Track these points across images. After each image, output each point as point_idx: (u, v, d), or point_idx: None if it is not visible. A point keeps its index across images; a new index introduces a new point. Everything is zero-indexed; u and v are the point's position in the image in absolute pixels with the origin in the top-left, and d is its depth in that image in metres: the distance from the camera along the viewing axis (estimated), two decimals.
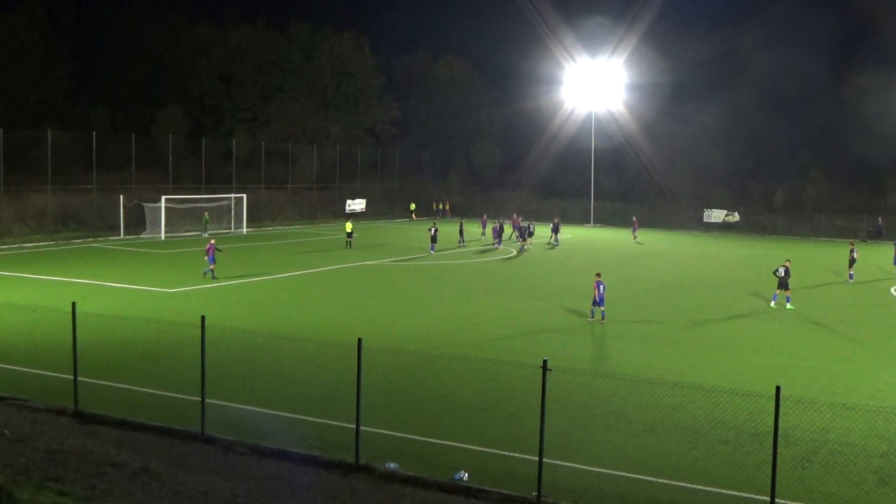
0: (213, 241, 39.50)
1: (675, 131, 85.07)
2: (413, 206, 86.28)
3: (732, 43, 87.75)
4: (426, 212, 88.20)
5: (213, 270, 38.07)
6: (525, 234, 55.95)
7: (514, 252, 53.45)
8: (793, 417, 16.84)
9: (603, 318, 29.61)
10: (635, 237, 65.87)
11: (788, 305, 34.03)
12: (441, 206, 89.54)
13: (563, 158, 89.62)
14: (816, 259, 52.18)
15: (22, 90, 76.93)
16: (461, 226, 58.04)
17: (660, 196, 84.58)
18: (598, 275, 30.23)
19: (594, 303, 29.88)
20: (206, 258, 38.17)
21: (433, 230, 52.33)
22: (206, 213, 61.68)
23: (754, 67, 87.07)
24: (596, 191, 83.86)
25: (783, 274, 34.02)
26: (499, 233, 56.94)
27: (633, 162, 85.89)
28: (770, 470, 13.03)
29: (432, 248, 51.51)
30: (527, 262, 49.40)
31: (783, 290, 34.21)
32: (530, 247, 55.41)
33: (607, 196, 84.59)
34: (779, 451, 13.08)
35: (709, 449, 16.39)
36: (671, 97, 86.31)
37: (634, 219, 68.67)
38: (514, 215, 64.19)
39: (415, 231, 68.24)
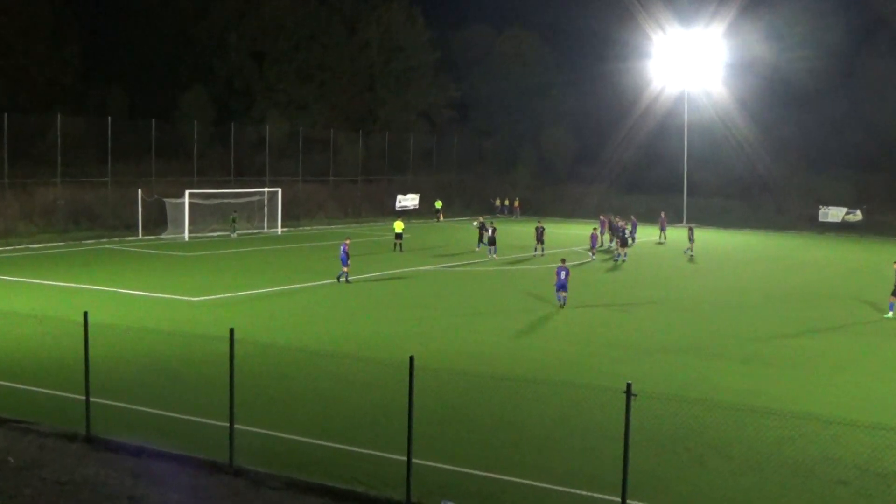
0: (348, 240, 40.98)
1: (784, 116, 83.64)
2: (439, 205, 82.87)
3: (854, 17, 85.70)
4: (485, 209, 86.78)
5: (346, 273, 39.68)
6: (621, 235, 53.23)
7: (592, 258, 52.87)
8: None
9: (565, 303, 34.68)
10: (662, 237, 63.69)
11: (888, 314, 34.41)
12: (508, 203, 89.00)
13: (649, 147, 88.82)
14: None
15: (29, 71, 78.49)
16: (541, 231, 54.37)
17: (765, 192, 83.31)
18: (563, 260, 35.51)
19: (557, 288, 34.80)
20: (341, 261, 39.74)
21: (491, 231, 52.21)
22: (235, 212, 62.30)
23: (877, 42, 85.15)
24: (689, 185, 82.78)
25: None
26: (595, 240, 55.02)
27: (734, 151, 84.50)
28: None
29: (492, 252, 51.43)
30: (604, 267, 49.03)
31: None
32: (625, 257, 52.32)
33: (702, 191, 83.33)
34: None
35: (825, 491, 16.10)
36: (779, 77, 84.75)
37: (663, 215, 66.84)
38: (614, 216, 61.51)
39: (470, 233, 68.08)
